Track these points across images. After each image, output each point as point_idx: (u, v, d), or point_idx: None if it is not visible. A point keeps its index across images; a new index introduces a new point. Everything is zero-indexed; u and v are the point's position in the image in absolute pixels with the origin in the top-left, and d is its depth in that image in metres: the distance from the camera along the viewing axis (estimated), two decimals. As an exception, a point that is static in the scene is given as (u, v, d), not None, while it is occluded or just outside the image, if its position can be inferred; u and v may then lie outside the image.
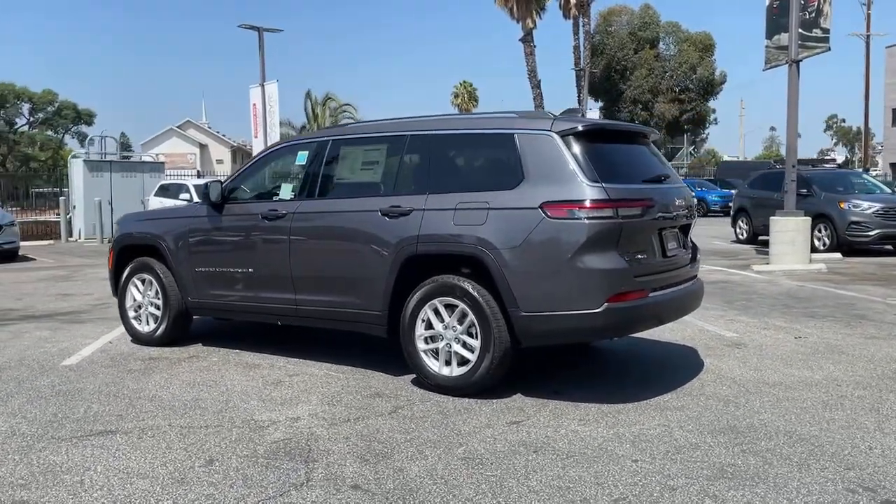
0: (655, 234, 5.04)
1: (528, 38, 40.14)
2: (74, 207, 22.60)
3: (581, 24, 40.56)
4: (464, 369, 5.00)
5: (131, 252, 6.89)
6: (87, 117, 62.06)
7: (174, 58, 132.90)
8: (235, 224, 6.16)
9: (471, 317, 4.93)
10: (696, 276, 5.67)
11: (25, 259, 16.48)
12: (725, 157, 63.27)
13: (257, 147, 25.30)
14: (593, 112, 37.99)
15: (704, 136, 68.65)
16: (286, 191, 6.06)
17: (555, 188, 4.74)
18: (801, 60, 12.81)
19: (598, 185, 4.67)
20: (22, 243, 17.70)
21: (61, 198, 23.23)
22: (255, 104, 25.12)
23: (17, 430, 4.50)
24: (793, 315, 8.16)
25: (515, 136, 4.98)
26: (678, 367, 5.91)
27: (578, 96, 40.19)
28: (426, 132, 5.43)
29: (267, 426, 4.52)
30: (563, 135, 4.84)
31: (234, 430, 4.45)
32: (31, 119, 60.48)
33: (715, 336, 7.06)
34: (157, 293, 6.66)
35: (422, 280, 5.14)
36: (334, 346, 6.62)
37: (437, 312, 5.10)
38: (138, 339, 6.85)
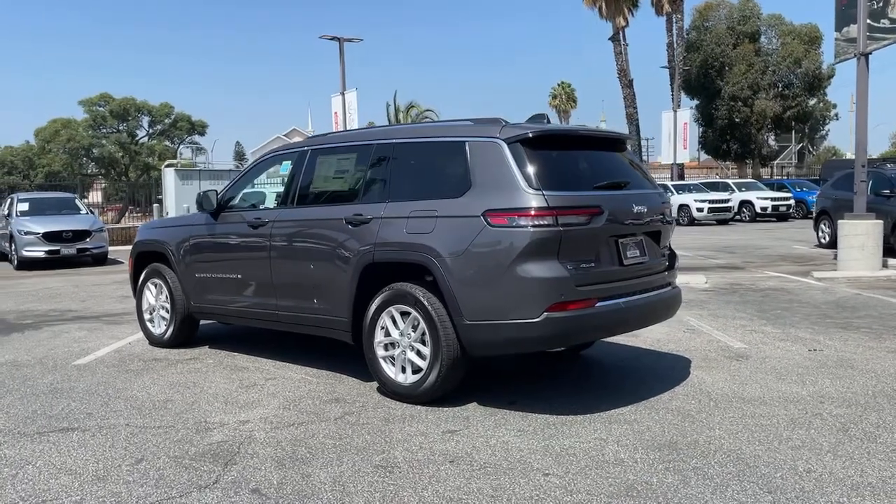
0: (608, 241, 4.89)
1: (617, 37, 39.34)
2: (167, 214, 23.91)
3: (674, 20, 39.39)
4: (416, 377, 5.02)
5: (146, 258, 7.29)
6: (200, 128, 65.37)
7: (281, 69, 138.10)
8: (228, 232, 6.41)
9: (422, 325, 4.95)
10: (669, 283, 5.46)
11: (114, 263, 17.57)
12: (848, 155, 59.71)
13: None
14: (683, 111, 36.73)
15: (824, 132, 65.06)
16: (270, 199, 6.26)
17: (497, 196, 4.70)
18: (870, 53, 12.01)
19: (538, 192, 4.59)
20: (123, 248, 18.83)
21: (155, 204, 24.64)
22: (336, 112, 25.83)
23: (-6, 424, 4.86)
24: (824, 326, 7.68)
25: (466, 143, 4.97)
26: (659, 378, 5.70)
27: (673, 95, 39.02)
28: (388, 141, 5.49)
29: (214, 428, 4.70)
30: (511, 141, 4.78)
31: (180, 431, 4.64)
32: (150, 131, 64.26)
33: (721, 347, 6.75)
34: (166, 297, 7.01)
35: (381, 287, 5.20)
36: (327, 351, 6.76)
37: (394, 320, 5.14)
38: (151, 340, 7.23)
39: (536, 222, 4.54)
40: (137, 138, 63.57)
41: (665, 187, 30.18)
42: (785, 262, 14.20)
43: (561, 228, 4.57)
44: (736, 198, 30.26)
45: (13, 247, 17.02)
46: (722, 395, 5.21)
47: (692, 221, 28.61)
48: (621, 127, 38.72)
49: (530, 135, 4.81)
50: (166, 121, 63.42)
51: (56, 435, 4.62)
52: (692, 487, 3.68)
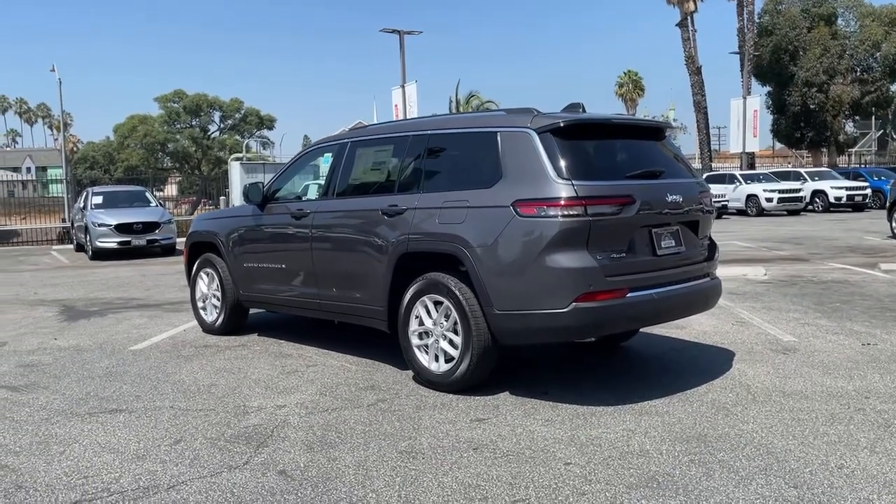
0: (641, 231, 4.83)
1: (685, 23, 38.45)
2: (232, 206, 24.59)
3: (745, 4, 38.23)
4: (449, 366, 5.07)
5: (199, 248, 7.54)
6: (268, 122, 66.96)
7: (348, 64, 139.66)
8: (272, 223, 6.58)
9: (454, 314, 5.00)
10: (707, 274, 5.35)
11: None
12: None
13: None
14: (753, 99, 35.61)
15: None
16: (313, 191, 6.40)
17: (526, 186, 4.70)
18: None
19: (567, 182, 4.57)
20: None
21: (222, 197, 25.35)
22: (396, 105, 26.04)
23: (50, 404, 5.14)
24: (883, 320, 7.40)
25: (498, 134, 4.98)
26: (698, 371, 5.61)
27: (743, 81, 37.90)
28: (424, 132, 5.54)
29: (251, 412, 4.86)
30: (542, 131, 4.77)
31: (220, 414, 4.82)
32: (221, 125, 66.11)
33: (769, 340, 6.59)
34: (217, 286, 7.24)
35: (415, 277, 5.26)
36: (367, 340, 6.85)
37: (427, 309, 5.21)
38: (204, 328, 7.49)
39: (565, 212, 4.53)
40: (209, 133, 65.41)
41: (733, 177, 29.44)
42: (853, 253, 13.68)
43: (590, 218, 4.54)
44: (808, 187, 29.24)
45: (88, 238, 17.79)
46: (762, 389, 5.09)
47: (761, 212, 27.79)
48: (689, 116, 37.79)
49: (561, 124, 4.79)
50: (236, 116, 65.08)
51: (105, 416, 4.85)
52: (715, 480, 3.63)
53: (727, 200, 27.84)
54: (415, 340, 5.29)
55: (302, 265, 6.23)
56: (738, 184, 29.11)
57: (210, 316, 7.40)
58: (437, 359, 5.17)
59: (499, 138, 4.95)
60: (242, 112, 64.95)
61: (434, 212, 5.13)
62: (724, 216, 27.94)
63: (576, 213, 4.53)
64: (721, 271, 11.03)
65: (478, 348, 4.88)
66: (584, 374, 5.67)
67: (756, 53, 38.31)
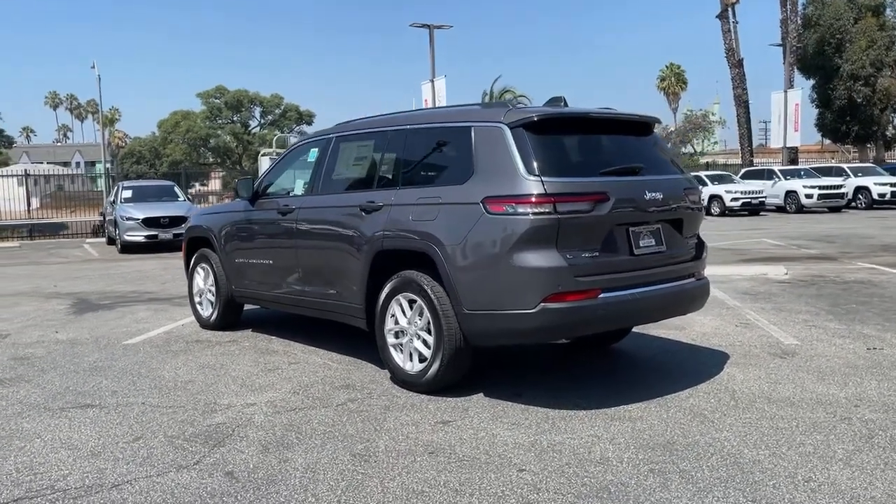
0: (617, 230, 4.66)
1: (725, 14, 37.64)
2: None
3: (788, -6, 37.22)
4: (422, 366, 4.97)
5: (196, 243, 7.55)
6: (307, 118, 67.44)
7: (386, 60, 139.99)
8: (261, 218, 6.54)
9: (427, 313, 4.89)
10: (693, 274, 5.14)
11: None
12: None
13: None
14: (795, 92, 34.64)
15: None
16: (299, 186, 6.34)
17: (496, 182, 4.56)
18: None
19: (536, 179, 4.42)
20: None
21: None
22: (426, 100, 25.95)
23: (28, 398, 5.16)
24: (897, 322, 7.07)
25: (472, 129, 4.85)
26: (686, 374, 5.41)
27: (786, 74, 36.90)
28: (402, 127, 5.43)
29: (219, 410, 4.81)
30: (514, 126, 4.62)
31: (188, 412, 4.78)
32: (262, 121, 66.89)
33: (770, 342, 6.33)
34: (212, 282, 7.24)
35: (392, 275, 5.17)
36: (357, 338, 6.77)
37: (402, 308, 5.11)
38: (200, 322, 7.50)
39: (533, 210, 4.38)
40: (250, 128, 66.21)
41: (771, 173, 28.71)
42: (885, 252, 13.19)
43: (559, 216, 4.38)
44: (850, 183, 28.38)
45: (117, 231, 18.11)
46: (747, 395, 4.88)
47: (800, 209, 27.07)
48: (729, 110, 36.95)
49: (535, 118, 4.64)
50: (276, 111, 65.73)
51: (76, 411, 4.86)
52: (670, 491, 3.46)
53: (764, 197, 27.16)
54: (390, 339, 5.20)
55: (288, 261, 6.19)
56: (776, 180, 28.40)
57: (206, 311, 7.41)
58: (410, 358, 5.07)
59: (472, 133, 4.82)
60: (282, 108, 65.63)
61: (409, 208, 5.02)
62: (761, 213, 27.31)
63: (544, 210, 4.38)
64: (741, 270, 10.81)
65: (449, 348, 4.76)
66: (566, 376, 5.51)
67: (799, 45, 37.27)
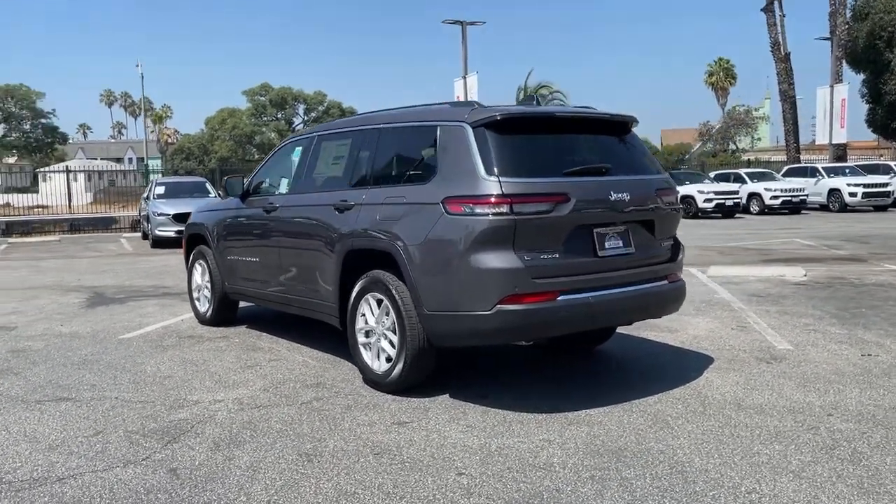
0: (580, 231, 4.57)
1: (770, 7, 36.74)
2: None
3: (837, -14, 36.11)
4: (388, 365, 4.96)
5: (194, 240, 7.66)
6: (350, 114, 68.12)
7: (427, 57, 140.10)
8: (249, 216, 6.60)
9: (392, 313, 4.88)
10: (665, 277, 5.02)
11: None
12: None
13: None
14: (842, 87, 33.60)
15: None
16: (283, 185, 6.38)
17: (456, 183, 4.52)
18: None
19: (494, 179, 4.37)
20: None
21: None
22: (458, 96, 25.91)
23: (9, 390, 5.30)
24: (904, 327, 6.81)
25: (438, 128, 4.81)
26: (663, 378, 5.29)
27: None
28: (376, 126, 5.42)
29: (186, 406, 4.87)
30: (477, 125, 4.58)
31: (156, 407, 4.86)
32: (305, 118, 67.73)
33: (761, 347, 6.16)
34: (208, 278, 7.34)
35: (362, 274, 5.17)
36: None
37: (371, 307, 5.10)
38: (198, 318, 7.62)
39: (490, 210, 4.33)
40: (294, 125, 67.08)
41: (815, 170, 27.93)
42: (918, 254, 12.71)
43: (516, 217, 4.32)
44: (898, 182, 27.42)
45: (150, 226, 18.51)
46: (717, 401, 4.75)
47: (844, 207, 26.30)
48: (775, 104, 36.02)
49: (498, 117, 4.58)
50: (319, 108, 66.51)
51: (50, 404, 4.97)
52: (604, 499, 3.39)
53: (805, 195, 26.42)
54: (360, 338, 5.20)
55: (272, 259, 6.24)
56: (819, 177, 27.63)
57: (202, 307, 7.52)
58: (378, 357, 5.07)
59: (438, 132, 4.79)
60: (325, 105, 66.36)
61: (377, 208, 5.02)
62: (802, 212, 26.61)
63: (501, 211, 4.32)
64: (758, 271, 10.54)
65: (412, 349, 4.74)
66: (539, 378, 5.44)
67: (848, 39, 36.15)
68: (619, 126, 5.13)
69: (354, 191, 5.32)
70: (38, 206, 32.90)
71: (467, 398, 4.88)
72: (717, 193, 25.18)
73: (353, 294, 5.19)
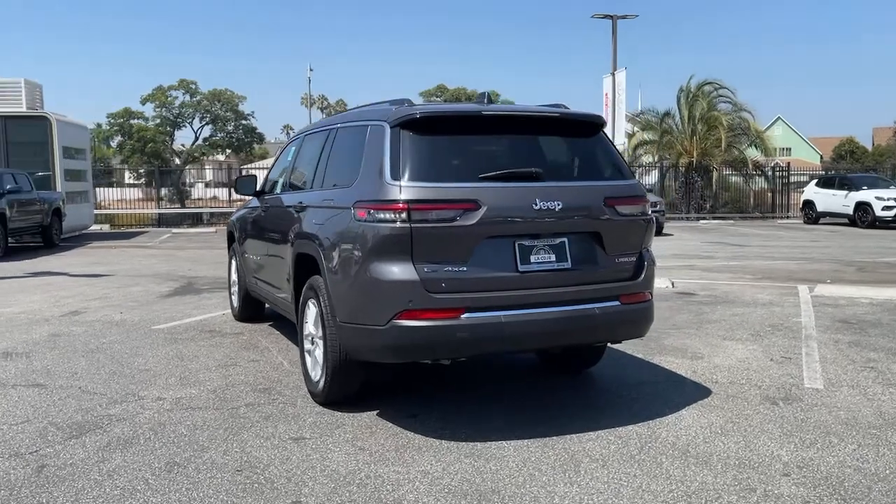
0: (495, 242, 4.08)
1: None
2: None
3: None
4: (320, 375, 4.75)
5: (229, 238, 7.86)
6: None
7: (587, 47, 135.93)
8: (255, 215, 6.64)
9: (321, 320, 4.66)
10: (617, 297, 4.35)
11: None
12: None
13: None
14: None
15: None
16: (279, 185, 6.33)
17: (367, 186, 4.22)
18: None
19: (395, 183, 4.02)
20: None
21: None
22: (606, 93, 24.92)
23: (2, 373, 5.67)
24: None
25: (368, 128, 4.53)
26: (629, 411, 4.65)
27: None
28: (332, 126, 5.23)
29: (129, 401, 4.93)
30: (394, 125, 4.24)
31: (101, 400, 4.95)
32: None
33: (785, 383, 5.26)
34: (236, 275, 7.50)
35: (309, 278, 4.99)
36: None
37: (312, 313, 4.91)
38: (232, 313, 7.80)
39: (386, 216, 3.99)
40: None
41: None
42: None
43: (413, 225, 3.94)
44: None
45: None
46: (662, 446, 4.08)
47: None
48: None
49: (417, 116, 4.21)
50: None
51: (19, 389, 5.24)
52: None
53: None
54: (307, 345, 5.02)
55: (262, 258, 6.24)
56: None
57: (234, 303, 7.69)
58: (315, 366, 4.87)
59: (367, 133, 4.50)
60: (497, 102, 66.97)
61: (315, 211, 4.84)
62: None
63: (397, 217, 3.96)
64: (876, 293, 9.06)
65: (332, 361, 4.50)
66: (490, 400, 4.97)
67: None
68: (571, 126, 4.55)
69: (308, 193, 5.18)
70: (238, 200, 35.77)
71: (393, 417, 4.56)
72: (897, 200, 22.31)
73: (301, 299, 5.02)
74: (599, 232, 4.32)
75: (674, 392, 5.08)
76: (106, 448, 4.09)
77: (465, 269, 4.03)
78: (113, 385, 5.32)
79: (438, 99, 64.90)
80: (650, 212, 4.62)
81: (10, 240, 15.81)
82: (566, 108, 4.85)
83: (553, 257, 4.20)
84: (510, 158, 4.34)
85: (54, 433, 4.33)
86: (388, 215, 3.98)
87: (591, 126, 4.60)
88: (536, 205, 4.12)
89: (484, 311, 4.02)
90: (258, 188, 6.74)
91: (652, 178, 30.22)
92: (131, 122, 63.58)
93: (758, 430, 4.32)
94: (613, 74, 24.45)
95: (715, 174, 28.92)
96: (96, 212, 25.76)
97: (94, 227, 23.40)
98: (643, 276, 4.47)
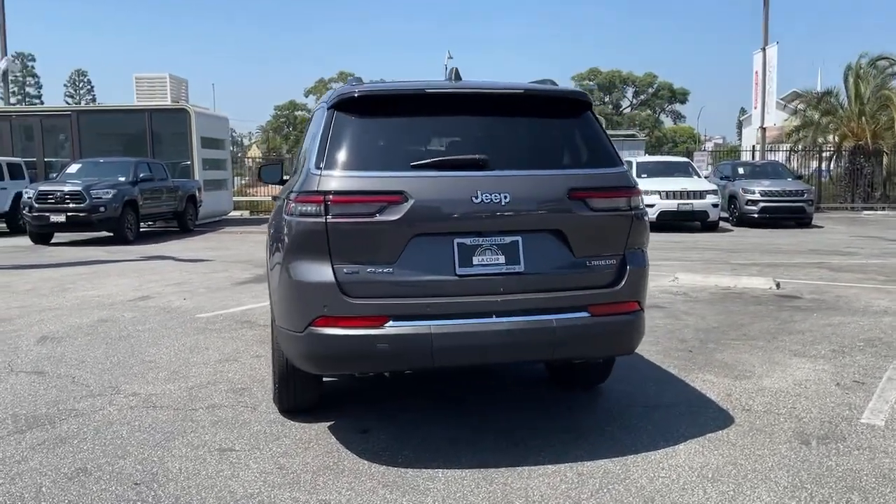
0: (428, 240, 3.50)
1: None
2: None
3: None
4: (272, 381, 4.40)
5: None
6: (681, 96, 64.66)
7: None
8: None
9: (278, 322, 4.30)
10: (585, 307, 3.62)
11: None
12: None
13: (755, 119, 23.05)
14: None
15: None
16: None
17: (301, 176, 3.78)
18: None
19: (317, 172, 3.56)
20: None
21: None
22: (756, 71, 22.85)
23: (16, 359, 5.78)
24: None
25: (318, 110, 4.10)
26: (612, 441, 3.93)
27: None
28: (316, 107, 4.81)
29: (106, 395, 4.82)
30: (332, 106, 3.78)
31: (79, 392, 4.88)
32: (633, 101, 65.94)
33: (836, 417, 4.30)
34: (278, 265, 7.32)
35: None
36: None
37: (280, 313, 4.57)
38: (275, 305, 7.65)
39: (305, 209, 3.54)
40: (621, 108, 65.71)
41: None
42: None
43: (329, 220, 3.46)
44: None
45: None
46: (626, 490, 3.37)
47: None
48: None
49: (355, 95, 3.72)
50: (649, 90, 64.26)
51: (20, 376, 5.29)
52: None
53: None
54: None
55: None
56: None
57: (276, 294, 7.53)
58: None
59: (316, 115, 4.07)
60: (655, 86, 63.82)
61: (277, 203, 4.46)
62: None
63: (313, 210, 3.50)
64: None
65: (278, 367, 4.14)
66: (464, 416, 4.38)
67: None
68: (540, 106, 3.86)
69: (290, 180, 4.81)
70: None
71: (343, 430, 4.12)
72: None
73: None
74: (562, 230, 3.62)
75: (686, 420, 4.26)
76: (38, 446, 3.95)
77: (390, 270, 3.50)
78: (105, 377, 5.26)
79: (591, 83, 63.07)
80: (641, 205, 3.84)
81: (141, 225, 16.80)
82: (554, 83, 4.16)
83: (502, 259, 3.56)
84: (454, 144, 3.75)
85: (6, 426, 4.26)
86: (308, 208, 3.53)
87: (565, 104, 3.90)
88: (477, 198, 3.50)
89: (411, 321, 3.47)
90: (279, 178, 6.48)
91: (812, 165, 27.51)
92: (296, 113, 66.90)
93: (761, 478, 3.48)
94: (764, 50, 22.31)
95: (886, 159, 25.82)
96: (240, 198, 27.11)
97: (235, 213, 24.53)
98: (624, 282, 3.71)
